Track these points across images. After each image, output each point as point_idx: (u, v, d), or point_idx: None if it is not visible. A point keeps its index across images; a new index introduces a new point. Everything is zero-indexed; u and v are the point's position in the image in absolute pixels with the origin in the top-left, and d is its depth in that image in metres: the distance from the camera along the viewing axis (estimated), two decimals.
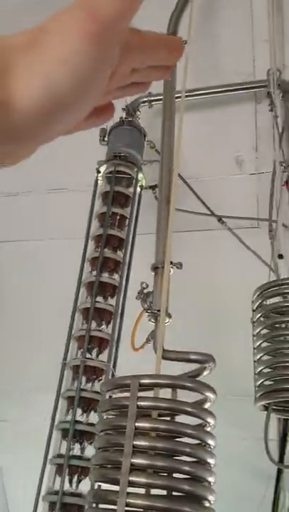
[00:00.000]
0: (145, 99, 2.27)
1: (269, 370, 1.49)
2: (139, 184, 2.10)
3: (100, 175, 2.12)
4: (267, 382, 1.48)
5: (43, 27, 0.32)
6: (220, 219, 2.32)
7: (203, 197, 2.34)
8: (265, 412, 1.56)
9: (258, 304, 1.65)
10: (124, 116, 2.20)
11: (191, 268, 2.48)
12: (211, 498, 1.28)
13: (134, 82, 0.39)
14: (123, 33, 0.33)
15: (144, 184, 2.16)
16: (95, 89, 0.33)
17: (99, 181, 2.12)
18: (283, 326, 1.57)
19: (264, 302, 1.63)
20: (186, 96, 2.04)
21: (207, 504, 1.28)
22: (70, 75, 0.31)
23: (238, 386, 1.87)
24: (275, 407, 1.57)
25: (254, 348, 1.59)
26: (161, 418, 1.35)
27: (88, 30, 0.31)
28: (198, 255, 2.53)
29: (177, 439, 1.31)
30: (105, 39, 0.31)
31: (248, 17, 2.19)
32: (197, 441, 1.32)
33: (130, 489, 1.24)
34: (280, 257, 2.05)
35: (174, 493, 1.28)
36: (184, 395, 1.40)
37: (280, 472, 2.09)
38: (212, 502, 1.29)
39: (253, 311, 1.68)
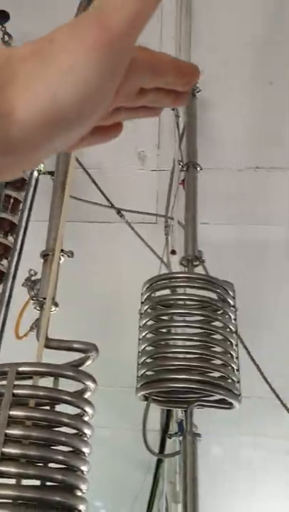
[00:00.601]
0: None
1: (151, 360, 1.52)
2: (36, 168, 2.04)
3: None
4: (148, 373, 1.51)
5: (49, 37, 0.31)
6: (119, 211, 2.32)
7: (104, 188, 2.34)
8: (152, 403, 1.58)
9: (146, 296, 1.68)
10: None
11: (87, 259, 2.47)
12: (83, 487, 1.28)
13: (144, 106, 0.38)
14: (132, 46, 0.32)
15: (42, 169, 2.10)
16: (100, 103, 0.32)
17: None
18: (168, 318, 1.61)
19: (152, 295, 1.66)
20: None
21: (79, 493, 1.28)
22: (75, 86, 0.30)
23: (127, 378, 1.89)
24: (156, 398, 1.60)
25: (139, 339, 1.62)
26: (40, 407, 1.33)
27: (95, 41, 0.30)
28: (95, 247, 2.52)
29: (54, 429, 1.30)
30: (113, 51, 0.31)
31: (158, 12, 2.22)
32: (74, 431, 1.31)
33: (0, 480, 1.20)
34: (173, 252, 2.10)
35: (48, 483, 1.27)
36: (67, 385, 1.39)
37: (160, 461, 2.16)
38: (84, 491, 1.29)
39: (142, 303, 1.70)
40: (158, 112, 0.41)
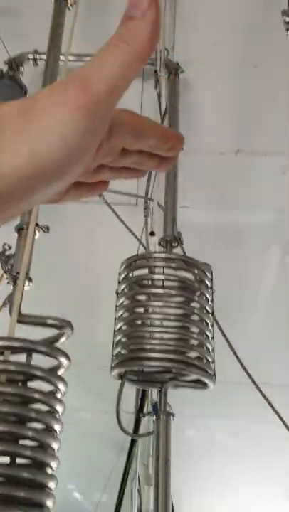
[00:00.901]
0: (30, 56, 2.15)
1: (126, 339, 1.50)
2: None
3: None
4: (123, 351, 1.50)
5: (34, 97, 0.33)
6: None
7: None
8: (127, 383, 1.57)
9: (123, 275, 1.65)
10: (5, 70, 2.06)
11: (66, 237, 2.44)
12: (53, 464, 1.26)
13: (128, 167, 0.40)
14: (113, 107, 0.34)
15: None
16: (80, 160, 0.34)
17: None
18: (145, 297, 1.59)
19: (129, 274, 1.64)
20: (71, 60, 1.97)
21: (50, 471, 1.26)
22: (55, 143, 0.31)
23: (104, 359, 1.88)
24: (130, 377, 1.59)
25: (115, 318, 1.60)
26: (12, 383, 1.30)
27: (77, 102, 0.32)
28: (74, 226, 2.49)
29: (25, 405, 1.27)
30: (94, 112, 0.32)
31: None
32: (46, 408, 1.29)
33: None
34: (152, 234, 2.08)
35: (18, 461, 1.25)
36: (40, 362, 1.36)
37: (133, 442, 2.16)
38: (54, 469, 1.27)
39: (119, 282, 1.68)
40: (142, 174, 0.42)
